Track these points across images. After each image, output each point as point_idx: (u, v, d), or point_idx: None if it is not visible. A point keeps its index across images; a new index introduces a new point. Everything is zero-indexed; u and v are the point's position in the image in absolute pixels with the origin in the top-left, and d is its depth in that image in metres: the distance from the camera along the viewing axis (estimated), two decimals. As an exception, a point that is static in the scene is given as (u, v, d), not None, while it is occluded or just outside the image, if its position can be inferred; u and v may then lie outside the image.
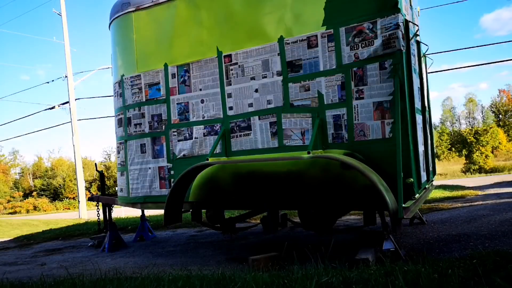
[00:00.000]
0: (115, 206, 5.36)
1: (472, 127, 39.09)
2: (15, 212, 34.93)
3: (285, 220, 5.06)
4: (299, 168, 3.17)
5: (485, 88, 60.78)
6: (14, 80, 73.51)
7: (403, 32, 3.00)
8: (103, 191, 5.69)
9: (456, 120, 45.10)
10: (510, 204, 5.45)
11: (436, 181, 8.85)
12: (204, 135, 3.78)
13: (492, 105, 43.54)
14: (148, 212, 7.24)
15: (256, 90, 3.51)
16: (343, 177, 2.97)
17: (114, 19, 4.45)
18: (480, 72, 65.17)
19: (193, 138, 3.84)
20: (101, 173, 5.75)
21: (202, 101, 3.79)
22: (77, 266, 4.17)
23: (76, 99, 16.23)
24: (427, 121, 3.85)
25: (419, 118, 3.45)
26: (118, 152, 4.57)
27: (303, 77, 3.30)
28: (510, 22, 55.01)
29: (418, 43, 3.64)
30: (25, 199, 40.91)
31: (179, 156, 3.90)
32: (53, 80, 17.65)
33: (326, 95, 3.21)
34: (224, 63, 3.66)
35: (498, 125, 39.70)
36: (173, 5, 3.93)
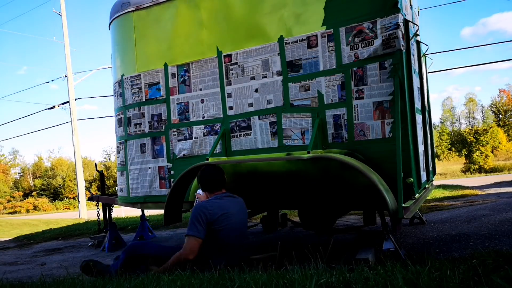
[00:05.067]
0: (115, 206, 5.36)
1: (472, 127, 39.08)
2: (15, 212, 34.92)
3: (285, 220, 5.07)
4: (299, 168, 3.17)
5: (479, 91, 62.26)
6: (15, 80, 73.49)
7: (403, 32, 3.00)
8: (103, 191, 5.70)
9: (456, 120, 45.10)
10: (510, 204, 5.45)
11: (436, 181, 8.85)
12: (204, 135, 3.78)
13: (492, 105, 43.53)
14: (148, 212, 7.24)
15: (256, 90, 3.51)
16: (343, 177, 2.97)
17: (114, 19, 4.45)
18: (474, 75, 66.22)
19: (193, 138, 3.84)
20: (101, 173, 5.76)
21: (202, 101, 3.79)
22: (77, 266, 4.16)
23: (76, 99, 16.23)
24: (427, 121, 3.85)
25: (419, 118, 3.45)
26: (118, 152, 4.57)
27: (303, 77, 3.30)
28: (488, 37, 57.30)
29: (418, 43, 3.64)
30: (25, 199, 40.89)
31: (179, 156, 3.90)
32: (53, 80, 17.66)
33: (326, 95, 3.21)
34: (224, 63, 3.66)
35: (498, 125, 39.69)
36: (173, 5, 3.92)
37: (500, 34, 57.65)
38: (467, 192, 8.04)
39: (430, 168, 4.00)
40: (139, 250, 2.81)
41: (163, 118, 4.01)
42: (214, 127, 3.73)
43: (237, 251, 2.86)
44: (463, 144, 36.56)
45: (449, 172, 31.27)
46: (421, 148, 3.34)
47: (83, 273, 2.91)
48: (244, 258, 2.78)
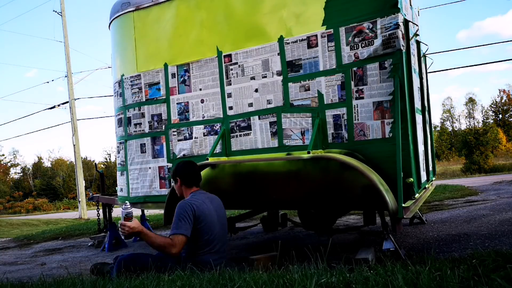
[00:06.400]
0: (115, 206, 5.36)
1: (472, 127, 39.05)
2: (15, 212, 34.89)
3: (285, 220, 5.06)
4: (299, 168, 3.17)
5: (478, 92, 62.92)
6: (15, 79, 73.45)
7: (403, 31, 3.00)
8: (103, 191, 5.70)
9: (456, 120, 45.09)
10: (510, 204, 5.45)
11: (436, 181, 8.84)
12: (204, 135, 3.78)
13: (492, 105, 43.54)
14: (148, 212, 7.24)
15: (256, 90, 3.51)
16: (343, 177, 2.97)
17: (114, 19, 4.45)
18: (472, 76, 66.74)
19: (193, 138, 3.84)
20: (101, 173, 5.77)
21: (202, 101, 3.79)
22: (77, 266, 4.17)
23: (76, 99, 16.24)
24: (427, 121, 3.85)
25: (419, 118, 3.45)
26: (118, 152, 4.57)
27: (303, 77, 3.30)
28: (483, 39, 57.91)
29: (418, 43, 3.63)
30: (25, 199, 40.84)
31: (179, 156, 3.90)
32: (53, 80, 17.68)
33: (326, 94, 3.21)
34: (224, 63, 3.66)
35: (498, 125, 39.68)
36: (173, 5, 3.93)
37: (493, 36, 58.32)
38: (467, 192, 8.03)
39: (430, 168, 4.00)
40: (134, 263, 2.76)
41: (163, 118, 4.02)
42: (214, 127, 3.73)
43: (223, 247, 2.91)
44: (463, 144, 36.50)
45: (449, 172, 31.25)
46: (421, 148, 3.34)
47: (92, 275, 2.92)
48: (229, 255, 2.81)
